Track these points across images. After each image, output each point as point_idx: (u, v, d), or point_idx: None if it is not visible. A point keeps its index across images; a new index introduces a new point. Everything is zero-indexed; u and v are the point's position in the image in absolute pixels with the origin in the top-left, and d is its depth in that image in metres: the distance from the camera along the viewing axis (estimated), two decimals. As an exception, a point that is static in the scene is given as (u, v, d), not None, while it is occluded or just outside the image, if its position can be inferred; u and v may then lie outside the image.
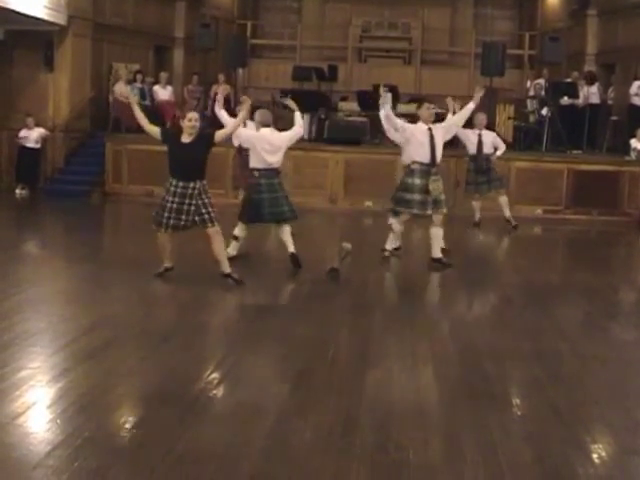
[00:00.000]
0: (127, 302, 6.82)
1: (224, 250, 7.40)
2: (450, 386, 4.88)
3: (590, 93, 15.21)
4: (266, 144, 8.03)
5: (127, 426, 4.07)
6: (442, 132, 8.34)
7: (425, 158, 8.20)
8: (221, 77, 15.76)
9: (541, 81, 15.84)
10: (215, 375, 4.92)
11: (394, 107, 14.40)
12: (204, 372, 4.95)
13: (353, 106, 15.31)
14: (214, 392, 4.68)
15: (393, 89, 14.64)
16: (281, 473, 3.60)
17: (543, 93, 15.37)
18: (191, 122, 7.10)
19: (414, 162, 8.24)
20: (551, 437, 4.10)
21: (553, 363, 5.43)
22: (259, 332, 6.02)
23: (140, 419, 4.20)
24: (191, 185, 7.06)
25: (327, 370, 5.07)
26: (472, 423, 4.24)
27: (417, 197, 8.20)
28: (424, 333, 6.03)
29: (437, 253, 8.37)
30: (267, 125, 8.17)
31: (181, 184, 7.06)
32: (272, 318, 6.51)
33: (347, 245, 8.39)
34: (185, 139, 7.14)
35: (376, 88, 14.35)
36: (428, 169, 8.21)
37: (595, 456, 3.89)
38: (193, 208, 7.08)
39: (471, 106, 8.48)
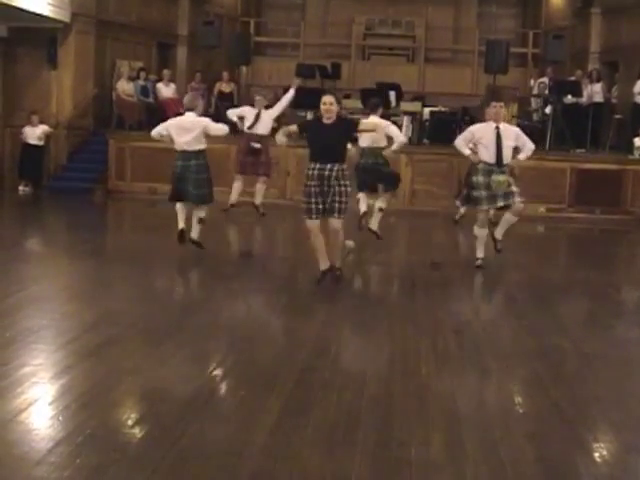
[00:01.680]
0: (130, 299, 6.83)
1: (339, 247, 7.26)
2: (452, 383, 4.88)
3: (594, 91, 15.19)
4: (180, 126, 8.34)
5: (129, 423, 4.08)
6: (514, 135, 8.05)
7: (490, 158, 7.93)
8: (225, 75, 15.78)
9: (545, 79, 15.83)
10: (217, 372, 4.92)
11: (397, 105, 14.45)
12: (206, 369, 4.96)
13: (356, 104, 15.31)
14: (216, 390, 4.69)
15: (396, 87, 14.67)
16: (283, 470, 3.60)
17: (547, 91, 15.35)
18: (326, 105, 6.97)
19: (479, 161, 8.03)
20: (553, 435, 4.09)
21: (555, 361, 5.43)
22: (261, 330, 6.03)
23: (142, 416, 4.20)
24: (328, 167, 6.93)
25: (329, 367, 5.06)
26: (474, 421, 4.24)
27: (484, 193, 7.99)
28: (426, 331, 6.02)
29: (498, 235, 8.34)
30: (190, 109, 8.42)
31: (318, 166, 6.95)
32: (274, 316, 6.52)
33: (350, 243, 8.37)
34: (326, 121, 7.03)
35: (380, 86, 14.42)
36: (491, 169, 7.94)
37: (597, 454, 3.89)
38: (331, 190, 6.94)
39: None
